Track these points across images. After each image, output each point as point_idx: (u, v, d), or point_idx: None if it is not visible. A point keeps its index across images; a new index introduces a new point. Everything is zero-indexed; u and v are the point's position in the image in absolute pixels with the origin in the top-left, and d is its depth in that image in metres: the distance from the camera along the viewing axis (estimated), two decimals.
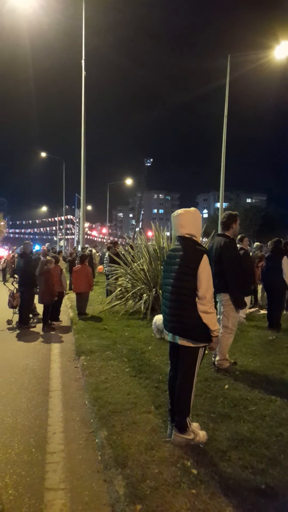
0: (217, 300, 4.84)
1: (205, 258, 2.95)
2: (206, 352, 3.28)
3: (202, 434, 3.02)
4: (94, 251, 18.59)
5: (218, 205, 41.44)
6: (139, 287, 8.73)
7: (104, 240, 58.36)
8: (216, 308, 3.89)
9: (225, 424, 3.28)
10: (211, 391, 3.98)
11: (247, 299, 7.85)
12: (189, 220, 3.09)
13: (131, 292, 8.77)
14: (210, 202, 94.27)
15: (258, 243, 11.50)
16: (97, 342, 6.11)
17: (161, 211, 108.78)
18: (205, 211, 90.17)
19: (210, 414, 3.46)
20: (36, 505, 2.48)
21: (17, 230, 77.64)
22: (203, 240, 13.07)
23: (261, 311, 8.67)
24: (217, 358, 4.69)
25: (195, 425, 3.07)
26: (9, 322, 8.38)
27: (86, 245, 20.56)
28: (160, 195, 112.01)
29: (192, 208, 3.18)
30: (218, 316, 4.70)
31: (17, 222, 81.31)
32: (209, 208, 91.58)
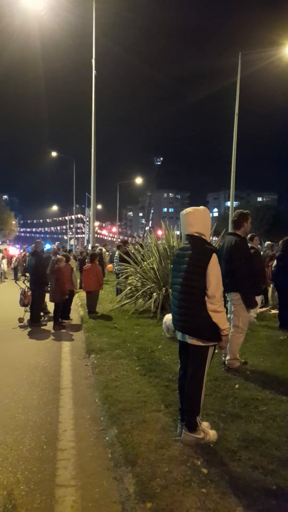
0: (227, 299, 4.82)
1: (214, 257, 2.93)
2: (216, 351, 3.27)
3: (212, 434, 3.02)
4: (104, 250, 18.66)
5: (228, 204, 41.19)
6: (149, 286, 8.74)
7: (114, 239, 58.55)
8: (226, 307, 3.88)
9: (236, 424, 3.27)
10: (221, 391, 3.97)
11: (258, 299, 7.79)
12: (198, 219, 3.08)
13: (141, 291, 8.78)
14: (221, 201, 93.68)
15: (269, 242, 11.39)
16: (107, 341, 6.14)
17: (171, 210, 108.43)
18: (215, 210, 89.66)
19: (220, 413, 3.45)
20: (47, 501, 2.50)
21: (28, 229, 78.42)
22: (214, 239, 13.01)
23: (272, 310, 8.61)
24: (228, 357, 4.67)
25: (205, 424, 3.07)
26: (20, 320, 8.48)
27: (96, 244, 20.66)
28: (170, 194, 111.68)
29: (201, 207, 3.17)
30: (229, 316, 4.67)
31: (28, 221, 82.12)
32: (220, 207, 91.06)
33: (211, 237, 3.27)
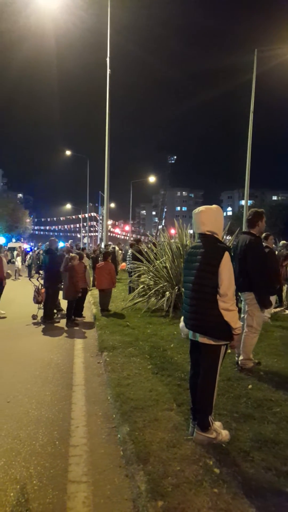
0: (241, 298, 4.77)
1: (226, 255, 2.91)
2: (229, 351, 3.24)
3: (224, 434, 3.00)
4: (117, 248, 18.71)
5: (242, 202, 40.76)
6: (161, 285, 8.73)
7: (127, 238, 58.69)
8: (239, 306, 3.84)
9: (248, 425, 3.24)
10: (234, 391, 3.93)
11: (272, 299, 7.69)
12: (210, 218, 3.06)
13: (153, 290, 8.77)
14: (235, 200, 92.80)
15: (284, 242, 11.22)
16: (119, 339, 6.15)
17: (184, 208, 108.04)
18: (230, 208, 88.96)
19: (233, 413, 3.42)
20: (59, 496, 2.53)
21: (42, 227, 79.25)
22: (227, 238, 12.89)
23: (286, 311, 8.49)
24: (241, 357, 4.63)
25: (217, 424, 3.05)
26: (34, 317, 8.57)
27: (109, 243, 20.73)
28: (184, 193, 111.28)
29: (214, 206, 3.14)
30: (243, 315, 4.63)
31: (42, 219, 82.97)
32: (234, 205, 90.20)
33: (224, 236, 3.24)
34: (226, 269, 2.87)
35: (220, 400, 3.62)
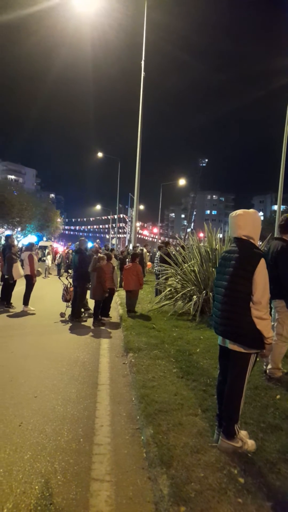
0: (271, 306, 4.66)
1: (262, 262, 2.84)
2: (258, 359, 3.17)
3: (250, 443, 2.93)
4: (145, 250, 18.76)
5: (275, 207, 39.78)
6: (189, 288, 8.67)
7: (155, 240, 58.72)
8: (270, 314, 3.75)
9: (276, 436, 3.15)
10: (261, 400, 3.84)
11: None
12: (248, 222, 3.00)
13: (180, 293, 8.73)
14: (267, 204, 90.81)
15: None
16: (145, 340, 6.16)
17: (214, 212, 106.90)
18: (261, 213, 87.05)
19: (260, 423, 3.34)
20: (82, 493, 2.56)
21: (72, 227, 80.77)
22: (259, 243, 12.62)
23: None
24: (269, 366, 4.52)
25: (243, 433, 2.99)
26: (62, 315, 8.74)
27: (137, 244, 20.83)
28: (214, 196, 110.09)
29: (252, 210, 3.08)
30: (273, 323, 4.52)
31: (73, 220, 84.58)
32: (266, 210, 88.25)
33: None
34: (261, 276, 2.80)
35: (247, 408, 3.55)
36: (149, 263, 14.68)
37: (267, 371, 4.53)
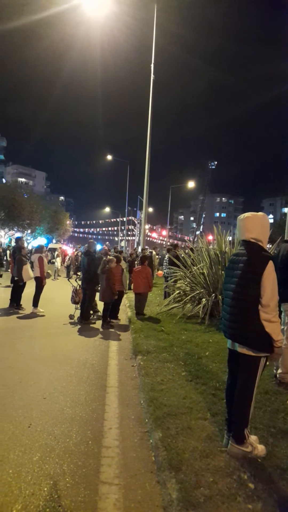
0: (281, 309, 4.61)
1: (270, 264, 2.82)
2: (268, 363, 3.13)
3: (260, 448, 2.89)
4: (154, 253, 18.74)
5: (285, 210, 39.44)
6: (198, 291, 8.63)
7: (164, 242, 58.66)
8: (280, 318, 3.70)
9: (286, 441, 3.10)
10: (271, 405, 3.80)
11: None
12: (256, 225, 2.98)
13: (189, 296, 8.70)
14: (277, 207, 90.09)
15: None
16: (154, 343, 6.14)
17: (223, 214, 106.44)
18: (271, 216, 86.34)
19: (270, 428, 3.30)
20: (91, 496, 2.55)
21: (81, 230, 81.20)
22: (268, 246, 12.52)
23: None
24: (280, 370, 4.46)
25: (253, 438, 2.95)
26: (71, 316, 8.78)
27: (146, 247, 20.82)
28: (223, 199, 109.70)
29: (260, 213, 3.06)
30: (282, 327, 4.46)
31: (82, 222, 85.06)
32: (275, 213, 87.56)
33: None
34: (270, 279, 2.78)
35: (256, 413, 3.51)
36: (159, 272, 14.59)
37: (277, 375, 4.47)
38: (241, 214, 3.10)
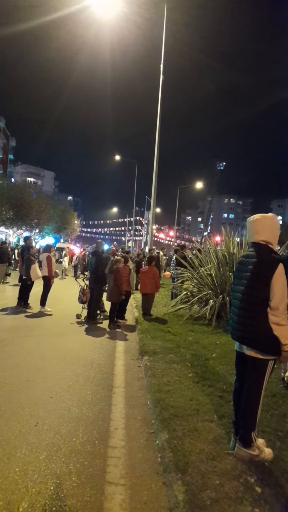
0: None
1: (280, 267, 2.79)
2: (276, 366, 3.11)
3: (267, 452, 2.87)
4: (161, 253, 18.72)
5: None
6: (205, 292, 8.60)
7: (171, 243, 58.61)
8: None
9: None
10: (279, 408, 3.76)
11: None
12: (266, 227, 2.95)
13: (196, 297, 8.67)
14: (286, 208, 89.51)
15: None
16: (160, 344, 6.13)
17: (231, 216, 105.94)
18: (280, 217, 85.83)
19: (277, 432, 3.27)
20: (96, 496, 2.55)
21: (89, 230, 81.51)
22: (277, 248, 12.43)
23: None
24: (287, 374, 4.42)
25: (260, 441, 2.93)
26: (78, 316, 8.80)
27: (153, 247, 20.80)
28: (232, 200, 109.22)
29: (270, 214, 3.04)
30: None
31: (90, 222, 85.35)
32: (284, 215, 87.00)
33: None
34: (280, 282, 2.76)
35: (264, 416, 3.48)
36: (167, 273, 14.53)
37: (285, 378, 4.43)
38: (251, 216, 3.08)
